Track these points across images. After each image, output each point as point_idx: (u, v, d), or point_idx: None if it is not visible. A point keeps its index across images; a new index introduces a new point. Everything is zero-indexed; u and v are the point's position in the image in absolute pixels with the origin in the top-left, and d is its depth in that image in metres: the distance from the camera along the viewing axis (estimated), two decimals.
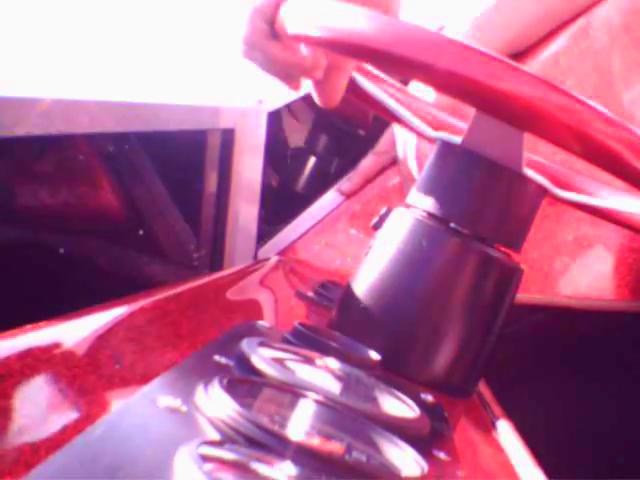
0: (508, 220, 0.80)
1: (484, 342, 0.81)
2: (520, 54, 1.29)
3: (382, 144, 1.41)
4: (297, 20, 0.74)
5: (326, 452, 0.45)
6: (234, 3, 0.82)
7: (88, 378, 0.52)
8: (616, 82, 1.27)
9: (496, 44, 1.24)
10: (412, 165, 1.23)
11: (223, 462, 0.40)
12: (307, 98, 1.42)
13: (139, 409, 0.45)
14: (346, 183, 1.40)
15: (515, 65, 0.65)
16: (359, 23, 0.67)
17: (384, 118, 0.97)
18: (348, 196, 1.39)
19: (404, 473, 0.47)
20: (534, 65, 1.27)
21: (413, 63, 0.65)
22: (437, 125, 0.92)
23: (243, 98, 1.27)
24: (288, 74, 0.83)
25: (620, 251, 1.24)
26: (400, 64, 0.66)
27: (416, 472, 0.47)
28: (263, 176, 1.28)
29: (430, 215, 0.79)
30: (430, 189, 0.80)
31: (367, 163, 1.41)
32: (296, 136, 1.65)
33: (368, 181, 1.40)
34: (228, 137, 1.22)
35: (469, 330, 0.79)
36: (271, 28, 0.78)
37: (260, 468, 0.40)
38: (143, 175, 1.30)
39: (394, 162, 1.38)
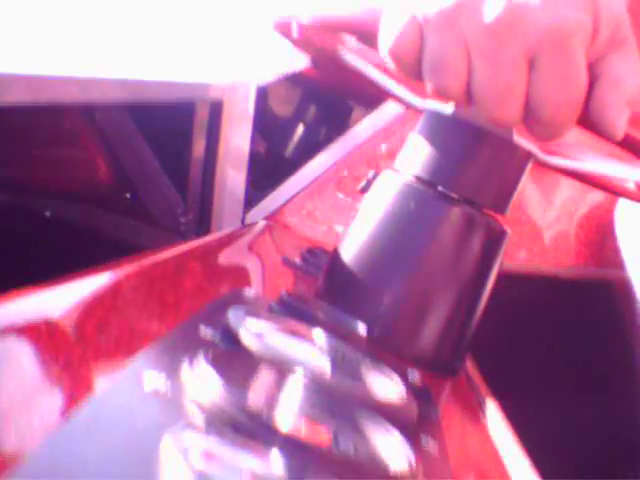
0: (495, 184, 0.79)
1: (471, 312, 0.80)
2: None
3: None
4: None
5: (314, 443, 0.45)
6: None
7: (73, 351, 0.52)
8: None
9: None
10: None
11: (208, 450, 0.40)
12: (297, 75, 1.42)
13: (125, 390, 0.44)
14: (350, 135, 1.40)
15: None
16: None
17: (372, 92, 0.97)
18: (351, 150, 1.39)
19: (392, 467, 0.47)
20: None
21: None
22: (423, 92, 0.92)
23: (233, 73, 1.26)
24: None
25: (609, 219, 1.24)
26: None
27: (403, 464, 0.47)
28: (251, 144, 1.28)
29: (418, 179, 0.79)
30: (418, 154, 0.79)
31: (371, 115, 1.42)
32: (285, 108, 1.64)
33: (374, 133, 1.40)
34: (216, 109, 1.22)
35: (456, 298, 0.79)
36: None
37: (246, 458, 0.40)
38: (130, 141, 1.29)
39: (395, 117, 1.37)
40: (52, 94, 0.91)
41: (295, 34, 0.82)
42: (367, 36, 0.76)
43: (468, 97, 0.65)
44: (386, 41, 0.67)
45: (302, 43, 0.86)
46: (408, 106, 0.92)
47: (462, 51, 0.63)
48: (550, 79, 0.63)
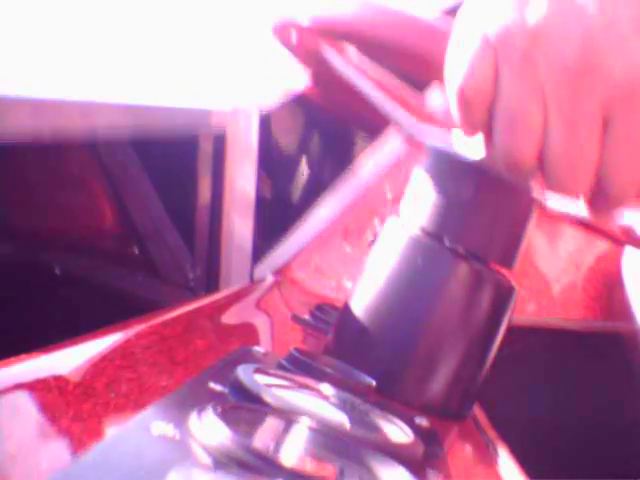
0: (502, 236, 0.79)
1: (479, 365, 0.81)
2: None
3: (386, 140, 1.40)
4: None
5: (319, 476, 0.45)
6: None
7: (82, 406, 0.52)
8: None
9: None
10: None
11: None
12: (298, 98, 1.42)
13: (132, 436, 0.45)
14: (354, 177, 1.39)
15: None
16: None
17: (373, 116, 0.96)
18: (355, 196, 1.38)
19: None
20: None
21: None
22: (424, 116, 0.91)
23: (234, 100, 1.26)
24: None
25: (615, 269, 1.24)
26: None
27: None
28: (257, 184, 1.28)
29: (423, 230, 0.78)
30: (423, 201, 0.79)
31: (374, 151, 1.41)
32: (288, 138, 1.64)
33: (376, 175, 1.39)
34: (220, 142, 1.22)
35: (465, 352, 0.79)
36: None
37: None
38: (138, 189, 1.29)
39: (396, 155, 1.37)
40: (54, 118, 0.91)
41: (294, 40, 0.82)
42: (366, 43, 0.74)
43: (537, 162, 0.58)
44: (454, 75, 0.59)
45: (301, 52, 0.86)
46: (406, 136, 0.91)
47: (540, 104, 0.55)
48: (626, 144, 0.55)
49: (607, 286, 1.22)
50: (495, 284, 0.80)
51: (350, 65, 0.88)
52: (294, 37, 0.81)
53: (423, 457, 0.57)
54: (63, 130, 0.95)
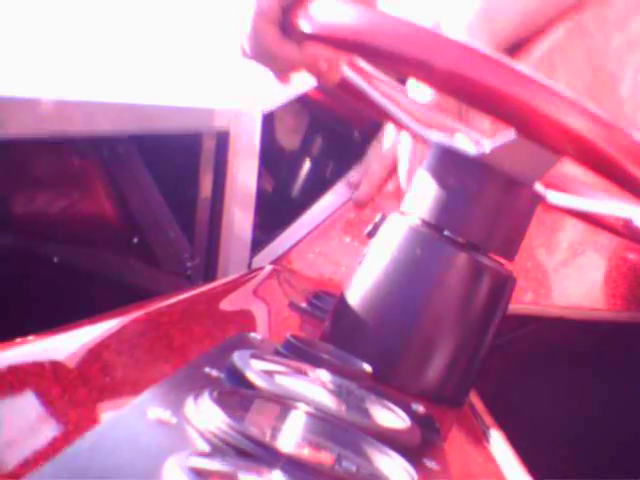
0: (502, 228, 0.80)
1: (476, 352, 0.81)
2: (514, 51, 1.29)
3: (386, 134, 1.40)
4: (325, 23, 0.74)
5: (316, 463, 0.45)
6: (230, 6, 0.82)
7: (78, 391, 0.52)
8: (608, 81, 1.28)
9: (501, 32, 1.24)
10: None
11: (212, 473, 0.40)
12: (302, 98, 1.42)
13: (129, 421, 0.45)
14: (354, 175, 1.39)
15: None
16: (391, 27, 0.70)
17: (379, 119, 0.97)
18: (356, 188, 1.38)
19: None
20: (529, 62, 1.27)
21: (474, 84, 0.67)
22: (429, 124, 0.91)
23: (237, 99, 1.26)
24: (286, 69, 0.83)
25: (615, 260, 1.24)
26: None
27: None
28: (258, 180, 1.28)
29: (424, 223, 0.79)
30: (425, 195, 0.80)
31: (372, 153, 1.41)
32: (291, 138, 1.64)
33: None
34: (222, 140, 1.22)
35: (461, 340, 0.80)
36: (281, 29, 0.78)
37: (249, 478, 0.40)
38: (138, 180, 1.29)
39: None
40: (56, 119, 0.91)
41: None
42: (370, 54, 0.75)
43: None
44: None
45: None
46: (415, 137, 0.91)
47: None
48: None
49: (607, 275, 1.22)
50: (493, 273, 0.80)
51: (356, 72, 0.89)
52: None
53: (420, 444, 0.57)
54: (66, 131, 0.95)
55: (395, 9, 0.76)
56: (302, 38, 0.77)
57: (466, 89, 0.69)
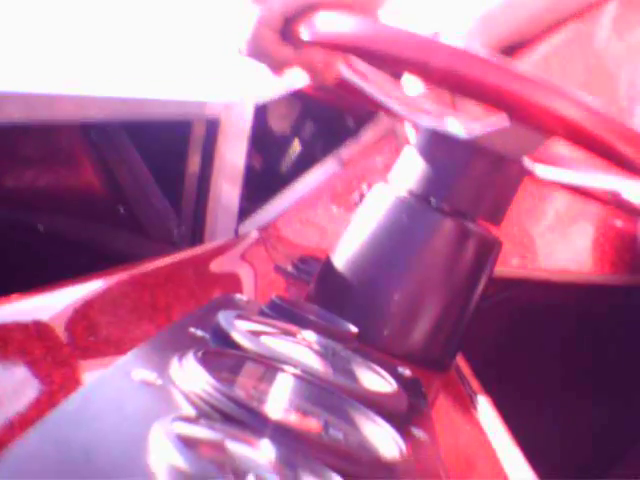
0: (488, 196, 0.80)
1: (462, 315, 0.81)
2: (512, 55, 1.30)
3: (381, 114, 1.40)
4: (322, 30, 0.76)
5: (303, 430, 0.44)
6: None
7: (62, 350, 0.52)
8: (605, 82, 1.29)
9: (500, 37, 1.26)
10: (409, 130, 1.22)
11: (200, 441, 0.39)
12: (295, 92, 1.42)
13: (113, 382, 0.44)
14: (345, 151, 1.40)
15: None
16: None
17: (371, 109, 0.98)
18: (346, 164, 1.39)
19: (382, 452, 0.47)
20: (525, 65, 1.28)
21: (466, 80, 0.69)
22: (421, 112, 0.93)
23: (230, 91, 1.26)
24: (282, 67, 0.84)
25: (602, 226, 1.24)
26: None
27: (394, 451, 0.47)
28: (247, 159, 1.28)
29: (410, 192, 0.79)
30: (411, 168, 0.80)
31: (366, 131, 1.41)
32: (282, 124, 1.64)
33: (368, 148, 1.40)
34: (213, 127, 1.22)
35: (447, 302, 0.80)
36: (280, 35, 0.79)
37: (236, 446, 0.40)
38: (125, 153, 1.29)
39: (392, 131, 1.37)
40: (49, 112, 0.91)
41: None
42: (367, 55, 0.77)
43: None
44: None
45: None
46: (406, 120, 0.92)
47: None
48: None
49: (595, 241, 1.22)
50: (478, 236, 0.80)
51: (351, 69, 0.89)
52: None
53: (407, 410, 0.57)
54: (59, 122, 0.95)
55: (397, 19, 0.78)
56: (302, 44, 0.78)
57: (463, 86, 0.70)
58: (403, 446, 0.47)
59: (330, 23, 0.75)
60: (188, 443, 0.38)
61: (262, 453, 0.40)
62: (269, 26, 0.79)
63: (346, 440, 0.48)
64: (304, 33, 0.77)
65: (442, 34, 1.24)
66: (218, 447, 0.40)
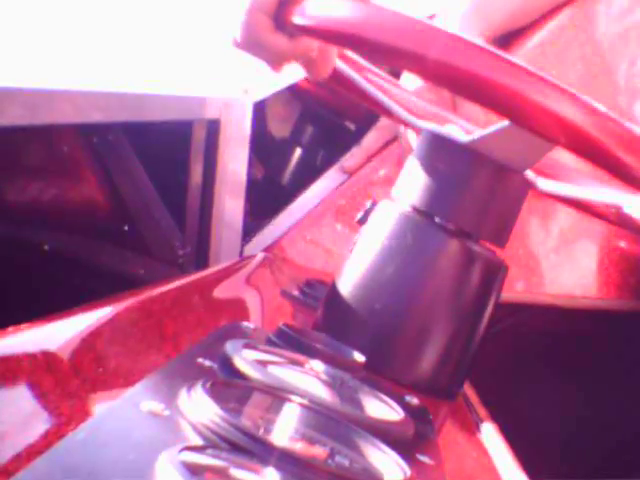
0: (492, 211, 0.79)
1: (469, 342, 0.81)
2: (507, 43, 1.30)
3: (383, 119, 1.40)
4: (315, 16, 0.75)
5: (309, 457, 0.45)
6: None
7: (71, 382, 0.52)
8: (600, 73, 1.28)
9: (494, 23, 1.25)
10: (412, 138, 1.22)
11: (205, 468, 0.40)
12: (293, 88, 1.42)
13: (122, 413, 0.45)
14: (349, 160, 1.39)
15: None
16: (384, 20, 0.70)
17: (372, 110, 0.97)
18: (350, 174, 1.38)
19: (386, 478, 0.47)
20: (521, 54, 1.28)
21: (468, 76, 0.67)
22: (421, 115, 0.92)
23: (228, 88, 1.26)
24: (278, 61, 0.83)
25: (607, 247, 1.24)
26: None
27: (398, 476, 0.47)
28: (248, 168, 1.28)
29: (414, 208, 0.79)
30: (414, 182, 0.80)
31: (369, 138, 1.41)
32: (282, 127, 1.64)
33: (371, 156, 1.40)
34: (213, 128, 1.22)
35: (454, 330, 0.79)
36: (274, 22, 0.79)
37: (242, 474, 0.40)
38: (129, 168, 1.29)
39: (395, 138, 1.37)
40: (49, 108, 0.91)
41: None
42: (362, 47, 0.76)
43: None
44: None
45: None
46: (407, 125, 0.92)
47: None
48: None
49: (599, 263, 1.22)
50: (484, 261, 0.80)
51: (348, 64, 0.89)
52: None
53: (413, 437, 0.57)
54: (58, 121, 0.95)
55: (393, 3, 0.77)
56: (295, 31, 0.78)
57: (458, 80, 0.69)
58: (408, 471, 0.47)
59: (324, 6, 0.74)
60: (194, 470, 0.38)
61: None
62: (262, 10, 0.78)
63: (352, 467, 0.48)
64: (297, 18, 0.76)
65: (438, 17, 1.24)
66: (223, 474, 0.40)
